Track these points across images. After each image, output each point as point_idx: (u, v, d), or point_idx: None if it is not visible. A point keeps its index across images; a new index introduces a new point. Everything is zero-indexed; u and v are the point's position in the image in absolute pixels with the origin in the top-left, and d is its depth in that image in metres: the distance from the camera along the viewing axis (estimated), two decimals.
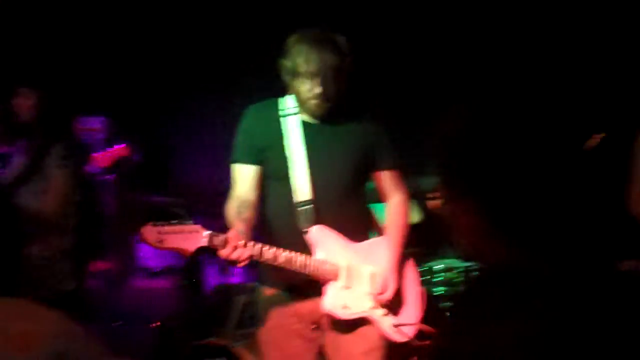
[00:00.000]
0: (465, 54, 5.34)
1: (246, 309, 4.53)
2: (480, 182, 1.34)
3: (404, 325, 2.95)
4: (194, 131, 6.13)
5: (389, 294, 2.92)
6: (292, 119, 2.97)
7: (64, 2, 5.62)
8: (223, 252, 2.64)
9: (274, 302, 3.00)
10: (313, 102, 2.87)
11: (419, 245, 4.77)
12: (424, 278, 4.51)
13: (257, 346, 3.90)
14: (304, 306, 2.93)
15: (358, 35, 3.13)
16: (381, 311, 2.92)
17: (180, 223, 2.65)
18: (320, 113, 2.93)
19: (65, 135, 3.88)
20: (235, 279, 5.07)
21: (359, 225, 3.01)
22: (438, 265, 4.85)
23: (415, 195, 4.70)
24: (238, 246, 2.64)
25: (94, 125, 5.35)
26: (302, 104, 2.92)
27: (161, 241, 2.60)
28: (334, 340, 2.97)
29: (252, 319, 4.43)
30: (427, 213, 4.86)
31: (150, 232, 2.60)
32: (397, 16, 5.34)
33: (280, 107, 3.00)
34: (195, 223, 2.66)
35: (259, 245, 2.71)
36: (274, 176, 2.97)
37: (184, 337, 4.59)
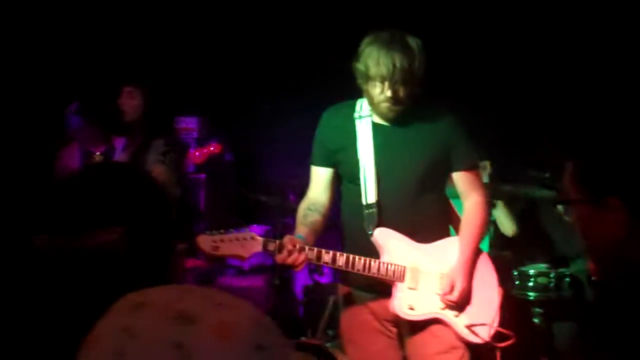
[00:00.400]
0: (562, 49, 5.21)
1: (336, 309, 4.53)
2: (631, 181, 1.30)
3: (478, 325, 2.90)
4: (285, 131, 6.17)
5: (455, 295, 2.87)
6: (365, 122, 2.98)
7: (162, 9, 5.74)
8: (279, 257, 2.73)
9: (351, 300, 3.04)
10: (384, 105, 2.86)
11: (511, 249, 4.72)
12: (516, 282, 4.44)
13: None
14: (380, 304, 2.94)
15: (437, 35, 3.10)
16: (452, 312, 2.89)
17: (232, 231, 2.76)
18: (392, 116, 2.92)
19: (166, 132, 3.95)
20: (325, 278, 5.07)
21: (432, 226, 2.99)
22: (530, 270, 4.75)
23: (513, 202, 4.63)
24: (293, 251, 2.71)
25: (188, 125, 5.45)
26: (373, 106, 2.92)
27: (216, 249, 2.71)
28: (410, 340, 2.97)
29: None
30: (521, 220, 4.76)
31: (204, 240, 2.72)
32: (476, 15, 5.25)
33: (355, 109, 3.02)
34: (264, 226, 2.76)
35: (316, 249, 2.77)
36: (346, 178, 3.03)
37: None
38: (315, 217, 2.98)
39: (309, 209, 3.00)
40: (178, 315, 0.83)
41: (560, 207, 1.46)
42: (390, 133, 2.97)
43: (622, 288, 1.35)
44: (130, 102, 3.84)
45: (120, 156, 3.94)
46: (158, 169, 3.76)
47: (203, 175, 5.33)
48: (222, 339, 0.81)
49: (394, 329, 2.99)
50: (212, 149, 5.09)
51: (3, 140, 4.68)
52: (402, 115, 2.93)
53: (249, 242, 2.75)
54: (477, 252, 3.02)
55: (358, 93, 3.03)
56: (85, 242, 1.23)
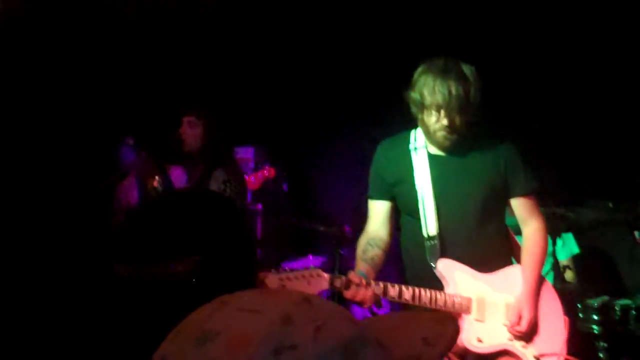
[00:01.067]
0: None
1: None
2: None
3: (547, 355, 2.85)
4: (339, 161, 6.17)
5: (524, 325, 2.82)
6: (421, 153, 2.96)
7: (223, 39, 5.82)
8: (347, 294, 2.71)
9: None
10: (440, 134, 2.85)
11: (575, 280, 4.61)
12: (580, 315, 4.34)
13: None
14: None
15: (491, 61, 3.07)
16: (520, 342, 2.83)
17: (299, 270, 2.73)
18: (448, 145, 2.90)
19: (226, 161, 3.97)
20: (383, 310, 5.02)
21: (494, 255, 2.95)
22: (594, 302, 4.63)
23: (573, 228, 4.54)
24: (360, 287, 2.69)
25: (245, 154, 5.49)
26: (429, 136, 2.91)
27: (283, 286, 2.69)
28: None
29: None
30: (585, 246, 4.67)
31: (272, 279, 2.70)
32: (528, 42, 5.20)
33: (410, 140, 3.01)
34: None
35: (382, 284, 2.74)
36: (404, 211, 3.02)
37: None
38: (375, 251, 2.97)
39: (368, 244, 2.99)
40: (201, 335, 0.82)
41: (637, 233, 1.40)
42: (446, 163, 2.95)
43: None
44: (191, 132, 3.90)
45: (182, 186, 3.98)
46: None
47: (260, 206, 5.34)
48: (236, 351, 0.80)
49: None
50: (265, 173, 5.11)
51: (61, 174, 4.76)
52: (458, 144, 2.92)
53: (315, 279, 2.73)
54: (541, 280, 2.97)
55: (403, 124, 3.04)
56: (160, 271, 1.23)
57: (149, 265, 1.24)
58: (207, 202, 1.29)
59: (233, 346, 0.80)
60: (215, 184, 3.82)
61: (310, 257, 5.38)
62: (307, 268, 2.77)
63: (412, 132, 3.02)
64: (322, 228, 4.93)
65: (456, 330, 0.97)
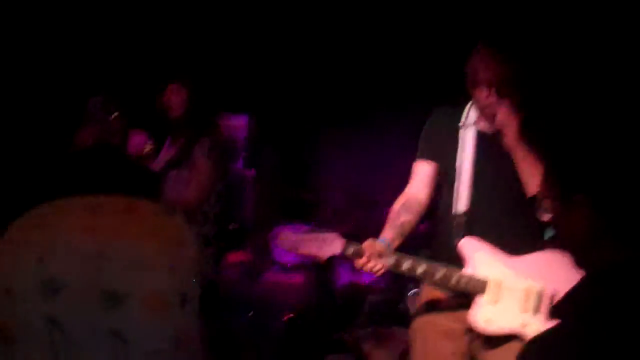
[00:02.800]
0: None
1: (375, 308, 4.58)
2: (596, 178, 1.32)
3: None
4: (336, 133, 6.22)
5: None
6: (470, 129, 2.92)
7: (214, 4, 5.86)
8: (358, 263, 2.70)
9: (434, 297, 2.95)
10: (489, 111, 2.78)
11: None
12: None
13: (384, 345, 3.95)
14: (461, 313, 2.83)
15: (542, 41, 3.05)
16: (533, 329, 2.68)
17: (316, 231, 2.77)
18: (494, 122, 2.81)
19: (211, 130, 4.03)
20: (366, 278, 5.12)
21: (525, 242, 2.82)
22: None
23: None
24: (373, 257, 2.68)
25: (237, 123, 5.55)
26: (480, 112, 2.85)
27: (296, 247, 2.73)
28: (483, 353, 2.86)
29: (380, 318, 4.48)
30: None
31: (286, 236, 2.74)
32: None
33: (463, 113, 2.96)
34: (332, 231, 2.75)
35: (395, 257, 2.71)
36: (444, 183, 2.96)
37: (313, 332, 4.69)
38: (408, 217, 2.90)
39: (403, 207, 2.93)
40: (105, 295, 0.85)
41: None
42: (493, 142, 2.86)
43: (590, 287, 1.37)
44: (175, 99, 3.95)
45: (167, 152, 4.06)
46: (203, 164, 3.87)
47: (253, 171, 5.42)
48: (154, 311, 0.85)
49: (467, 339, 2.88)
50: None
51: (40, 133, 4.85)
52: None
53: (328, 244, 2.73)
54: None
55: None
56: None
57: None
58: (120, 162, 1.36)
59: (150, 306, 0.86)
60: (200, 152, 3.87)
61: (300, 224, 5.48)
62: (325, 231, 2.78)
63: (467, 107, 2.97)
64: (309, 196, 5.02)
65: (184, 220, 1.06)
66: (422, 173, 2.98)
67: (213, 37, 5.80)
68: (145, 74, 4.65)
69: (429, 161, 2.98)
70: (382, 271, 2.71)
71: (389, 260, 2.69)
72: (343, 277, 5.29)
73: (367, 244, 2.71)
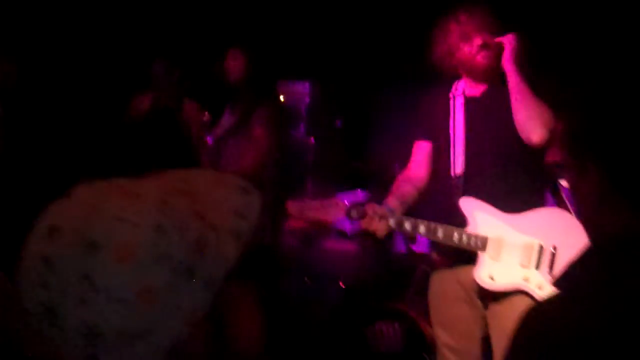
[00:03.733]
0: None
1: (427, 278, 4.59)
2: (607, 147, 1.33)
3: None
4: (397, 102, 6.20)
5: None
6: (459, 98, 3.08)
7: None
8: (362, 223, 2.88)
9: (440, 268, 3.11)
10: (480, 56, 2.96)
11: None
12: None
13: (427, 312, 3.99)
14: (467, 274, 2.96)
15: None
16: (536, 283, 2.83)
17: (322, 198, 2.95)
18: (489, 70, 2.99)
19: (271, 97, 4.07)
20: (420, 247, 5.14)
21: (523, 196, 2.94)
22: None
23: None
24: (374, 218, 2.84)
25: (300, 89, 5.59)
26: (471, 65, 3.00)
27: (303, 213, 2.92)
28: (492, 311, 2.97)
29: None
30: None
31: (293, 205, 2.93)
32: None
33: (452, 87, 3.13)
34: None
35: (397, 217, 2.87)
36: (440, 152, 3.10)
37: (367, 299, 4.75)
38: (407, 188, 3.09)
39: (403, 180, 3.14)
40: (86, 242, 0.91)
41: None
42: (480, 104, 3.04)
43: (596, 258, 1.38)
44: (234, 64, 3.97)
45: (228, 119, 4.12)
46: (261, 133, 3.92)
47: (312, 139, 5.47)
48: (121, 262, 0.91)
49: (479, 301, 3.00)
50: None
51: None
52: (493, 88, 3.02)
53: (333, 208, 2.91)
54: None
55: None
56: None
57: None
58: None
59: (119, 257, 0.91)
60: (258, 120, 3.92)
61: (359, 191, 5.53)
62: (332, 198, 2.98)
63: (455, 82, 3.14)
64: (369, 166, 5.05)
65: (260, 199, 1.07)
66: (420, 152, 3.16)
67: (274, 2, 5.82)
68: (206, 38, 4.71)
69: (425, 141, 3.15)
70: (384, 231, 2.87)
71: (391, 221, 2.86)
72: (399, 246, 5.32)
73: (369, 206, 2.88)
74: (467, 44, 2.98)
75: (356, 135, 6.15)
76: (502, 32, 2.97)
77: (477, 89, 3.09)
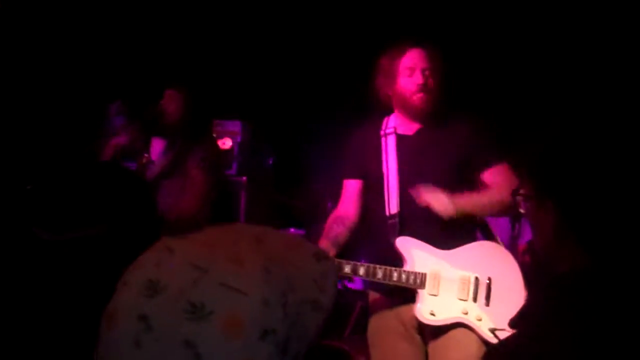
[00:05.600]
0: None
1: (363, 315, 4.61)
2: (566, 188, 1.37)
3: (503, 330, 2.75)
4: (328, 140, 6.24)
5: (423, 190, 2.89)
6: (391, 136, 3.11)
7: (212, 14, 5.88)
8: None
9: (379, 306, 3.13)
10: (416, 96, 3.01)
11: None
12: None
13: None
14: (406, 310, 3.00)
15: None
16: (475, 315, 2.89)
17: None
18: (424, 109, 3.04)
19: (205, 138, 4.05)
20: (355, 285, 5.17)
21: (455, 233, 2.99)
22: None
23: None
24: None
25: (232, 128, 5.57)
26: (405, 102, 3.06)
27: None
28: (433, 346, 3.00)
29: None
30: None
31: None
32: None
33: (382, 124, 3.17)
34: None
35: (336, 261, 2.90)
36: (372, 190, 3.14)
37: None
38: (339, 230, 3.13)
39: (334, 222, 3.16)
40: (190, 306, 0.86)
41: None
42: (413, 142, 3.09)
43: (545, 292, 1.42)
44: (171, 105, 3.95)
45: (160, 159, 4.07)
46: (197, 174, 3.89)
47: (244, 178, 5.44)
48: (230, 336, 0.86)
49: (418, 336, 3.04)
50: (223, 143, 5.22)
51: (43, 139, 4.89)
52: (427, 127, 3.09)
53: None
54: (486, 206, 2.98)
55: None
56: (77, 235, 1.35)
57: (67, 232, 1.38)
58: (117, 176, 1.41)
59: (227, 329, 0.85)
60: (193, 161, 3.89)
61: (292, 230, 5.53)
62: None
63: (385, 119, 3.18)
64: (301, 204, 5.05)
65: (335, 266, 1.04)
66: (350, 190, 3.21)
67: (205, 43, 5.83)
68: (144, 80, 4.68)
69: (355, 179, 3.20)
70: None
71: None
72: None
73: None
74: (408, 80, 3.03)
75: (288, 173, 6.16)
76: (449, 72, 3.05)
77: (410, 127, 3.13)
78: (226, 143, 4.92)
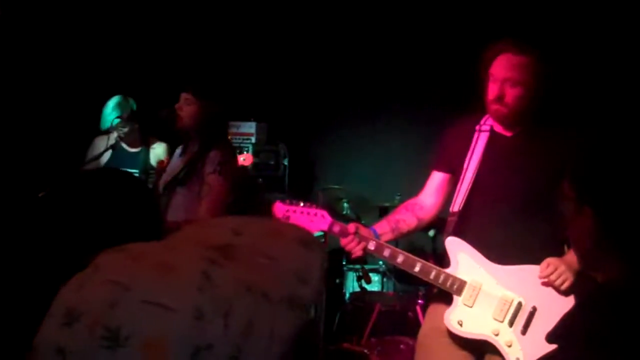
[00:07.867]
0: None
1: (381, 317, 4.59)
2: (603, 196, 1.36)
3: None
4: (343, 140, 6.24)
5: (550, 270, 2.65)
6: (485, 133, 2.98)
7: (229, 18, 5.88)
8: (342, 240, 2.89)
9: (435, 305, 3.03)
10: (493, 107, 2.87)
11: None
12: None
13: (392, 355, 3.97)
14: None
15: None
16: (505, 340, 2.76)
17: (307, 205, 2.98)
18: (503, 121, 2.91)
19: (222, 142, 4.01)
20: (373, 286, 5.14)
21: (516, 250, 2.81)
22: None
23: None
24: (354, 238, 2.86)
25: (247, 130, 5.55)
26: (487, 108, 2.92)
27: (287, 217, 2.93)
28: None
29: (386, 327, 4.50)
30: None
31: (279, 207, 2.97)
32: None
33: (480, 120, 3.03)
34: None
35: (377, 242, 2.89)
36: (455, 184, 3.04)
37: (320, 340, 4.71)
38: (405, 216, 3.07)
39: (405, 207, 3.12)
40: (107, 332, 0.81)
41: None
42: (505, 144, 2.94)
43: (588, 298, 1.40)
44: (187, 109, 3.90)
45: (176, 162, 4.04)
46: (214, 179, 3.81)
47: (260, 180, 5.44)
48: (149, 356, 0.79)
49: (469, 343, 2.88)
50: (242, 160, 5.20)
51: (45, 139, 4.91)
52: (526, 131, 2.91)
53: (317, 219, 2.94)
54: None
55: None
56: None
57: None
58: (118, 182, 1.37)
59: (148, 354, 0.78)
60: (209, 166, 3.81)
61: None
62: (313, 206, 2.99)
63: (486, 115, 3.02)
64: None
65: (323, 255, 0.98)
66: (434, 182, 3.12)
67: (220, 46, 5.83)
68: (159, 83, 4.67)
69: (441, 172, 3.10)
70: (360, 253, 2.89)
71: (370, 245, 2.88)
72: (351, 284, 5.31)
73: (352, 225, 2.91)
74: (490, 86, 2.87)
75: (302, 174, 6.16)
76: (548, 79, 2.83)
77: (509, 128, 2.96)
78: (247, 159, 4.86)
